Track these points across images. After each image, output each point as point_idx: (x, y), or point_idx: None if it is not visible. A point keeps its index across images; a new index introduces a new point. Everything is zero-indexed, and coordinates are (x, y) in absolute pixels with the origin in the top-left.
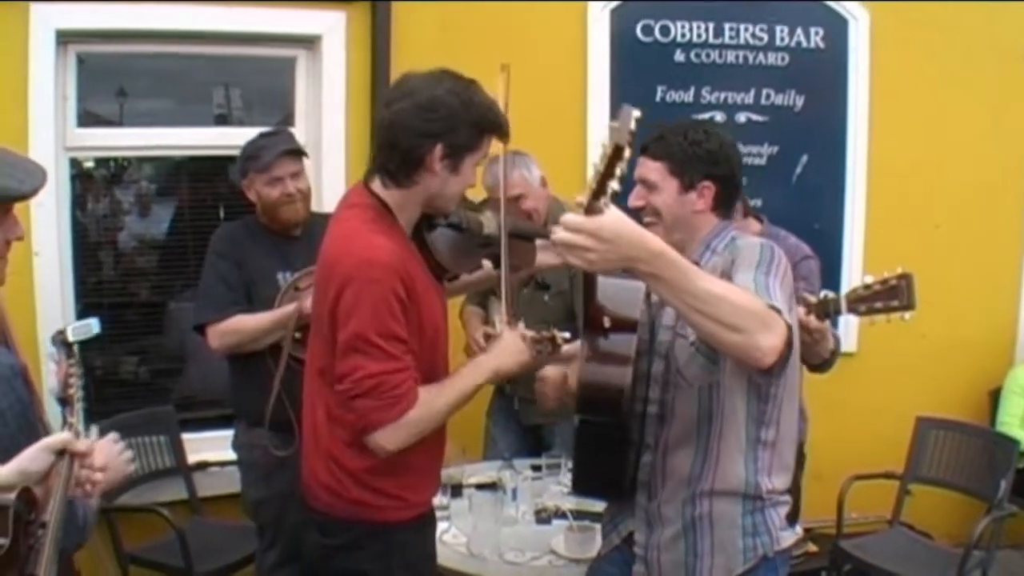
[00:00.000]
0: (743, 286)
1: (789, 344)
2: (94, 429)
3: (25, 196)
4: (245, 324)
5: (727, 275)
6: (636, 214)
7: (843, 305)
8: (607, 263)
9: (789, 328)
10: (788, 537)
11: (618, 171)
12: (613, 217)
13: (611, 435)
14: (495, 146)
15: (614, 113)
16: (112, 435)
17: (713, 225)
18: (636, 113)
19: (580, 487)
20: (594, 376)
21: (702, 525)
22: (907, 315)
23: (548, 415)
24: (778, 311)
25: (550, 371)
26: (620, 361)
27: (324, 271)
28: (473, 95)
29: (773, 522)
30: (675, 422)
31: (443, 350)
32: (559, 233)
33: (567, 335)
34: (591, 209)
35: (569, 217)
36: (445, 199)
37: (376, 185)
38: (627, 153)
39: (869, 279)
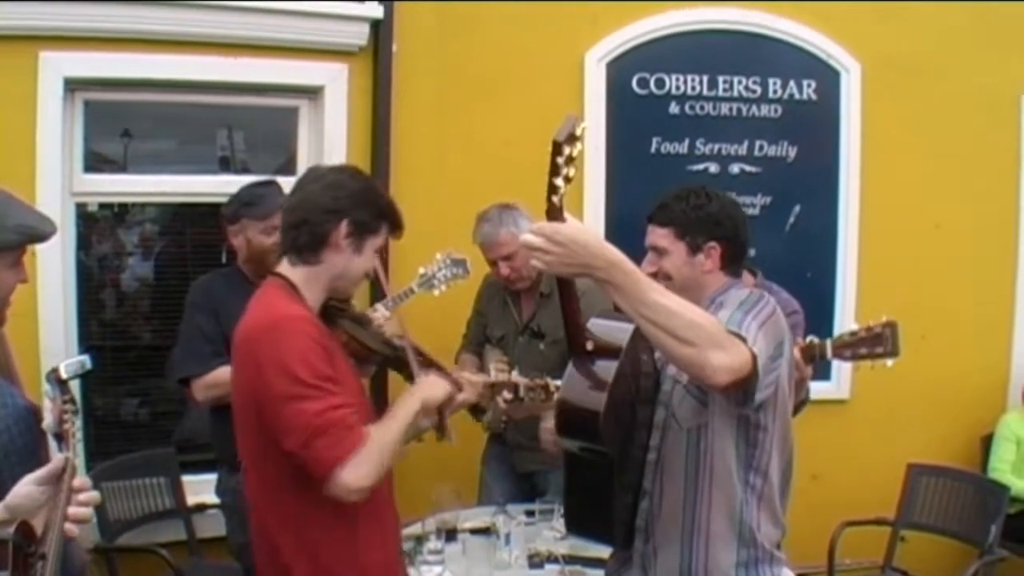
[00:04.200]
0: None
1: (751, 371)
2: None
3: (45, 237)
4: (228, 376)
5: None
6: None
7: (828, 350)
8: (564, 266)
9: (753, 357)
10: None
11: (561, 168)
12: (572, 225)
13: (597, 473)
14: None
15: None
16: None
17: (722, 283)
18: (582, 124)
19: (572, 526)
20: (571, 397)
21: (696, 569)
22: (890, 362)
23: (544, 462)
24: (742, 339)
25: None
26: (597, 386)
27: (244, 348)
28: (374, 185)
29: None
30: (668, 467)
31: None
32: (524, 236)
33: (559, 383)
34: (550, 213)
35: (538, 224)
36: (348, 279)
37: (283, 266)
38: (566, 150)
39: (855, 326)
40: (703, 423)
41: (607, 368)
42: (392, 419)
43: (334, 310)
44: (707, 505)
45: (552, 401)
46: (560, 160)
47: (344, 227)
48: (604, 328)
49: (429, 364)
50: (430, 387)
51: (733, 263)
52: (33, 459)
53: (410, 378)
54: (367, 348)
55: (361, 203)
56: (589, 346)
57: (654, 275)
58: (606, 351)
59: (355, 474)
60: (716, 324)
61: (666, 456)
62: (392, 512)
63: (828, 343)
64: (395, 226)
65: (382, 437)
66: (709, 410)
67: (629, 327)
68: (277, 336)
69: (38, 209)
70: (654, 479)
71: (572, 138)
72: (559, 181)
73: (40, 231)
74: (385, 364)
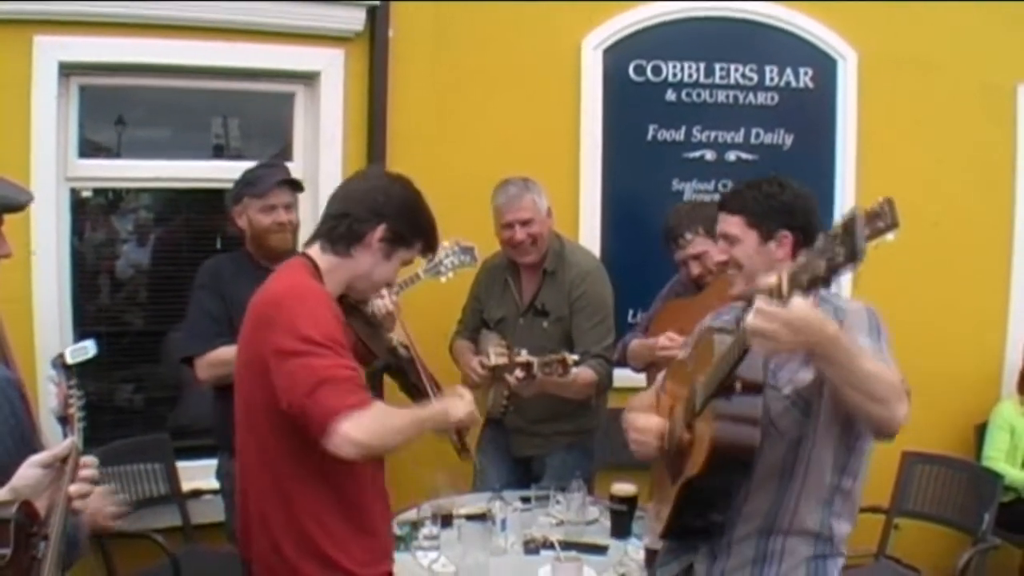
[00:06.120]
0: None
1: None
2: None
3: (21, 207)
4: (231, 356)
5: None
6: None
7: None
8: (789, 347)
9: (908, 394)
10: None
11: (836, 278)
12: (802, 307)
13: (723, 491)
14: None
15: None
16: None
17: None
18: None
19: (670, 534)
20: (730, 436)
21: (771, 560)
22: (891, 235)
23: (540, 446)
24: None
25: (648, 421)
26: (750, 422)
27: (260, 310)
28: (424, 202)
29: (832, 574)
30: (759, 469)
31: None
32: (752, 321)
33: (575, 357)
34: (786, 298)
35: (765, 307)
36: (368, 282)
37: (314, 249)
38: (859, 263)
39: None
40: (804, 434)
41: (751, 403)
42: (407, 411)
43: (348, 307)
44: (794, 508)
45: (569, 374)
46: (841, 272)
47: (381, 231)
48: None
49: (433, 383)
50: (456, 401)
51: None
52: (20, 430)
53: (409, 388)
54: (371, 352)
55: (404, 214)
56: (738, 387)
57: (724, 264)
58: (749, 387)
59: (356, 425)
60: (898, 379)
61: (759, 459)
62: (383, 499)
63: None
64: (428, 248)
65: (389, 410)
66: (811, 422)
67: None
68: (295, 301)
69: (31, 191)
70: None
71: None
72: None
73: (15, 200)
74: (384, 370)
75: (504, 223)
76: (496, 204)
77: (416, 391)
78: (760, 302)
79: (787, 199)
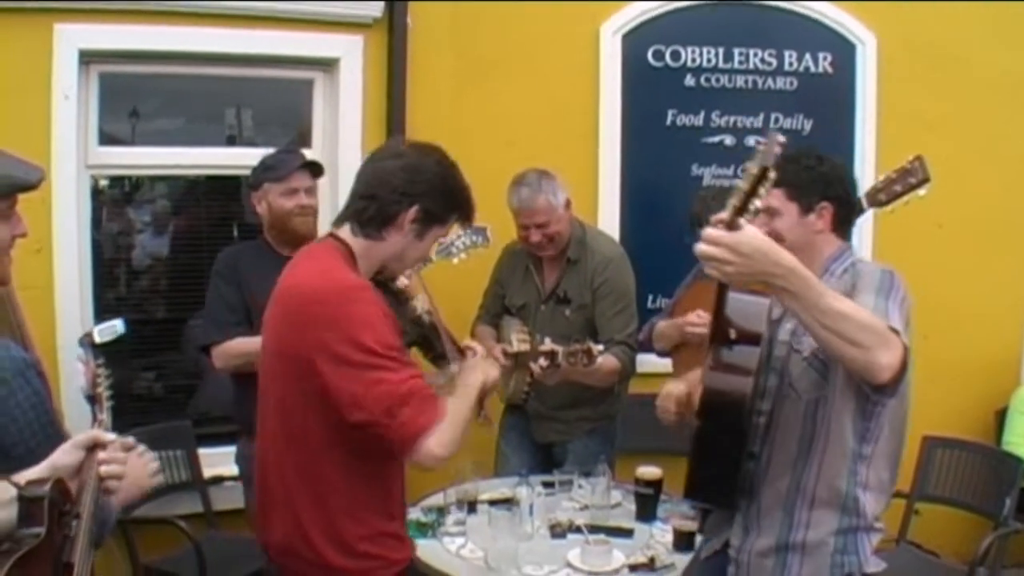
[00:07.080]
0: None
1: (904, 364)
2: (131, 439)
3: (31, 186)
4: (247, 347)
5: (848, 296)
6: None
7: (864, 203)
8: (744, 276)
9: (905, 349)
10: (875, 564)
11: (762, 191)
12: (751, 233)
13: (729, 442)
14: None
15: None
16: (141, 447)
17: (835, 247)
18: (781, 139)
19: (692, 492)
20: (718, 384)
21: (798, 532)
22: (922, 190)
23: (562, 432)
24: (896, 332)
25: (672, 387)
26: (743, 372)
27: (300, 304)
28: (457, 175)
29: (864, 546)
30: (780, 432)
31: None
32: (700, 246)
33: (601, 347)
34: (731, 225)
35: (711, 231)
36: (402, 262)
37: (344, 231)
38: (771, 175)
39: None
40: (823, 396)
41: (749, 353)
42: (462, 394)
43: (377, 284)
44: (815, 472)
45: (595, 363)
46: (763, 187)
47: (413, 212)
48: (739, 306)
49: (454, 346)
50: (489, 366)
51: (844, 224)
52: (40, 410)
53: (436, 359)
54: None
55: (437, 192)
56: (732, 334)
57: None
58: (746, 337)
59: (440, 441)
60: (880, 324)
61: (780, 423)
62: (403, 484)
63: (862, 197)
64: (465, 218)
65: (457, 408)
66: (830, 383)
67: (763, 303)
68: (344, 300)
69: (52, 179)
70: (763, 443)
71: (776, 157)
72: (757, 203)
73: (24, 180)
74: (410, 345)
75: (520, 224)
76: (511, 205)
77: (443, 360)
78: (707, 229)
79: (825, 171)
